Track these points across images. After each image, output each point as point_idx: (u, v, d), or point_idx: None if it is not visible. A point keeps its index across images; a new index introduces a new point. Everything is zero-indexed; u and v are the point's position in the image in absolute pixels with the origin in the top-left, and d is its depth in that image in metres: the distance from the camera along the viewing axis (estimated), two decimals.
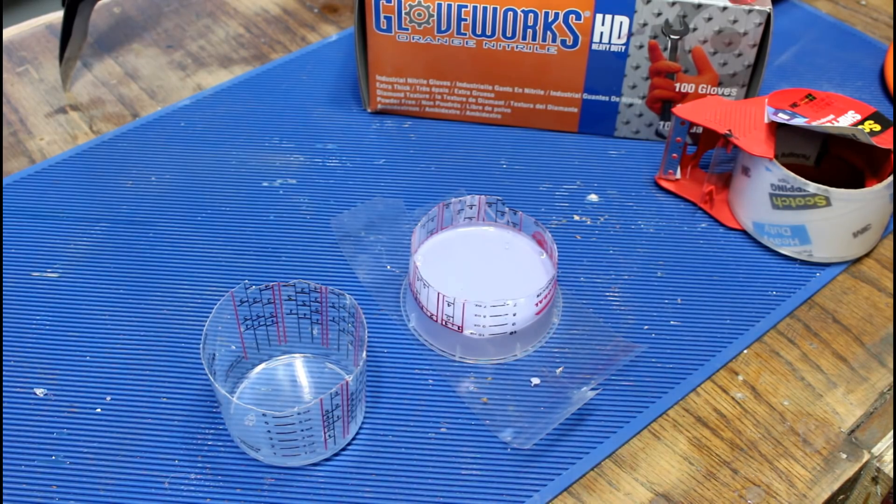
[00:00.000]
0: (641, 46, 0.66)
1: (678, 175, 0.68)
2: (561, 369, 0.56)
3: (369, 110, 0.74)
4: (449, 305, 0.55)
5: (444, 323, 0.56)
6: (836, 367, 0.58)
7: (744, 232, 0.65)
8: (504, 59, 0.68)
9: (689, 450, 0.54)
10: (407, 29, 0.68)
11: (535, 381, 0.56)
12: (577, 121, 0.72)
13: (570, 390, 0.55)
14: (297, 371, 0.56)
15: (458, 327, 0.56)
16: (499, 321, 0.55)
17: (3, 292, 0.60)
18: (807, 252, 0.62)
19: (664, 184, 0.68)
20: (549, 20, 0.66)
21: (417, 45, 0.68)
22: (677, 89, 0.68)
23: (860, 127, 0.62)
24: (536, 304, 0.55)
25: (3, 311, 0.59)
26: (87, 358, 0.57)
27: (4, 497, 0.50)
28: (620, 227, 0.66)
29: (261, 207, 0.66)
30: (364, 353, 0.49)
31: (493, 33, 0.67)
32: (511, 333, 0.56)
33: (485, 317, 0.55)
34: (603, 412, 0.55)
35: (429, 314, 0.56)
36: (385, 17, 0.67)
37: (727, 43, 0.65)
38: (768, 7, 0.64)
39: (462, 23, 0.67)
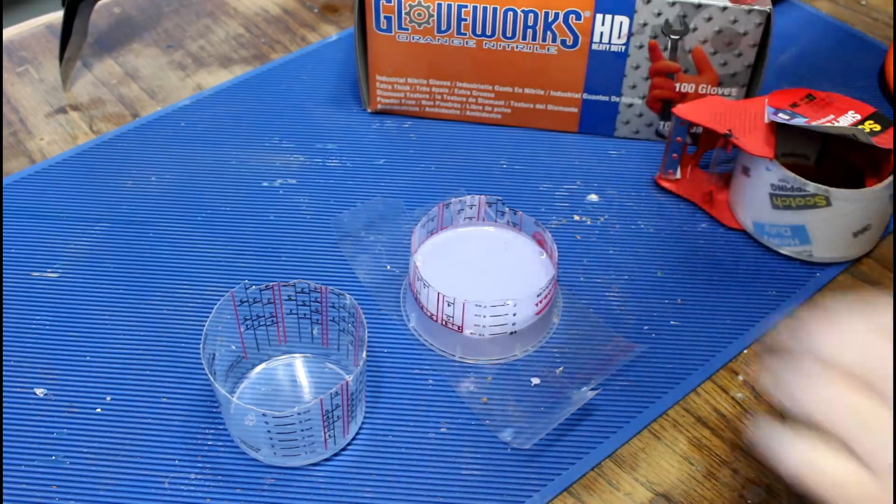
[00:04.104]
0: (641, 46, 0.66)
1: (678, 175, 0.68)
2: (561, 369, 0.56)
3: (369, 110, 0.74)
4: (449, 305, 0.55)
5: (444, 323, 0.56)
6: None
7: (744, 232, 0.65)
8: (504, 59, 0.68)
9: (689, 450, 0.53)
10: (407, 29, 0.68)
11: (535, 381, 0.56)
12: (577, 121, 0.72)
13: (570, 390, 0.55)
14: (297, 371, 0.56)
15: (458, 327, 0.56)
16: (499, 321, 0.55)
17: (3, 292, 0.60)
18: (807, 252, 0.62)
19: (664, 184, 0.68)
20: (549, 20, 0.66)
21: (417, 45, 0.68)
22: (677, 89, 0.68)
23: (860, 127, 0.62)
24: (536, 304, 0.55)
25: (3, 311, 0.59)
26: (87, 358, 0.57)
27: (4, 497, 0.50)
28: (620, 227, 0.66)
29: (261, 207, 0.66)
30: (364, 353, 0.49)
31: (493, 33, 0.67)
32: (511, 333, 0.56)
33: (485, 317, 0.55)
34: (603, 412, 0.55)
35: (429, 314, 0.56)
36: (385, 17, 0.67)
37: (727, 43, 0.65)
38: (768, 7, 0.64)
39: (462, 23, 0.67)
